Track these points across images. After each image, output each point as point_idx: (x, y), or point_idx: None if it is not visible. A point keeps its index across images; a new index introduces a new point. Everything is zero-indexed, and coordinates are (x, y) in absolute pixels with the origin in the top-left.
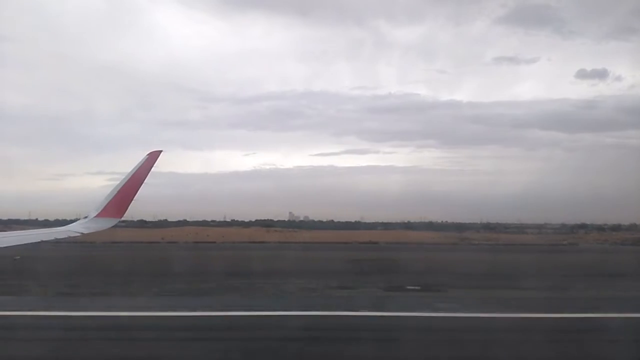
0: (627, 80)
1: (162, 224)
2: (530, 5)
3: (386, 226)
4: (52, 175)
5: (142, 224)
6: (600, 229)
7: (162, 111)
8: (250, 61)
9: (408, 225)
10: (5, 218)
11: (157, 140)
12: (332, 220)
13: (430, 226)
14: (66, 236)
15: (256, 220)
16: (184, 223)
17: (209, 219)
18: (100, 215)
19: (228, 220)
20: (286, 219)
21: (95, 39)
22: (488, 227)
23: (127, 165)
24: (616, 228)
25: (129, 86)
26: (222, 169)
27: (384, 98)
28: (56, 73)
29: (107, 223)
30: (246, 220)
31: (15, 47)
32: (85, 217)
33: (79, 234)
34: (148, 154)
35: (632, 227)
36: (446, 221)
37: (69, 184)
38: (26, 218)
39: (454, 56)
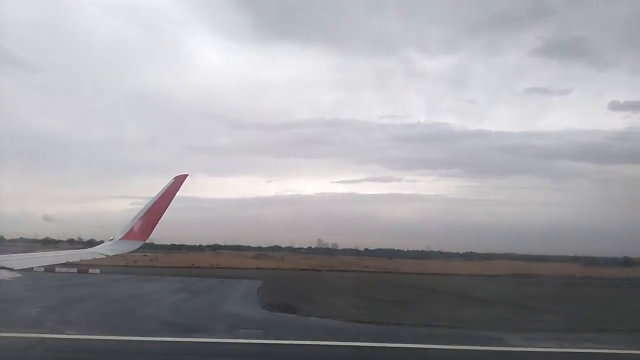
0: None
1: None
2: (566, 37)
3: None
4: (78, 198)
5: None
6: None
7: (190, 137)
8: (281, 89)
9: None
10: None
11: (182, 165)
12: (367, 249)
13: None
14: (91, 257)
15: (314, 248)
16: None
17: (245, 245)
18: (125, 237)
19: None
20: (314, 246)
21: (131, 67)
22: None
23: (151, 189)
24: None
25: (161, 113)
26: (244, 195)
27: (412, 127)
28: (91, 100)
29: (132, 246)
30: (283, 246)
31: (53, 76)
32: (111, 239)
33: (104, 256)
34: (174, 178)
35: None
36: (472, 251)
37: (92, 207)
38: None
39: (485, 86)
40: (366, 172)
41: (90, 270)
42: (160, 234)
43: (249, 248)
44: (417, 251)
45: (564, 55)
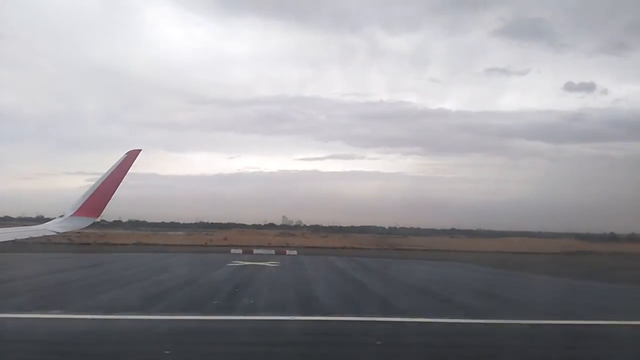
0: (613, 94)
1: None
2: (526, 19)
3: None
4: (30, 174)
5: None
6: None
7: (149, 113)
8: (243, 64)
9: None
10: None
11: (141, 141)
12: (353, 226)
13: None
14: (41, 235)
15: (275, 224)
16: (203, 225)
17: (208, 222)
18: (76, 214)
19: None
20: (279, 223)
21: (87, 39)
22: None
23: (109, 166)
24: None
25: (118, 87)
26: (206, 172)
27: (375, 105)
28: (45, 72)
29: (83, 222)
30: (248, 223)
31: (4, 46)
32: (61, 216)
33: (54, 233)
34: (127, 153)
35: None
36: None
37: (47, 183)
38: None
39: (447, 66)
40: (329, 150)
41: (288, 252)
42: (120, 211)
43: (243, 226)
44: (406, 228)
45: (524, 37)
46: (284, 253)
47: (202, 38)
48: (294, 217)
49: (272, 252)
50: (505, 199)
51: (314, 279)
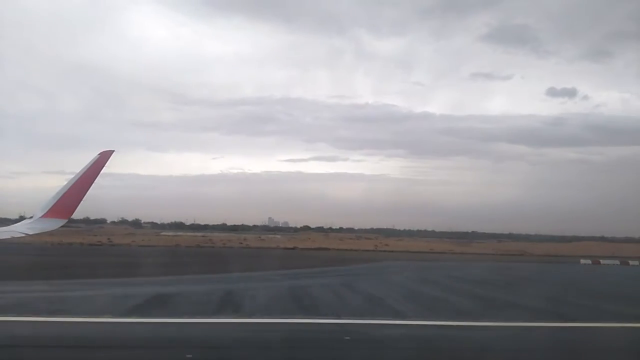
0: (594, 100)
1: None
2: (511, 25)
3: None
4: (8, 173)
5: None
6: None
7: (132, 112)
8: (230, 65)
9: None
10: None
11: (123, 141)
12: (362, 228)
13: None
14: (9, 237)
15: (254, 226)
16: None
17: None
18: (46, 215)
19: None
20: (264, 224)
21: (68, 35)
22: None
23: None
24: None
25: (100, 85)
26: (188, 172)
27: (360, 108)
28: (24, 69)
29: (53, 224)
30: (229, 224)
31: None
32: (31, 217)
33: (23, 235)
34: (99, 154)
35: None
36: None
37: (24, 182)
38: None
39: (432, 70)
40: (313, 151)
41: (582, 261)
42: (95, 211)
43: (245, 227)
44: (407, 230)
45: (508, 42)
46: (628, 264)
47: (187, 38)
48: (280, 218)
49: (617, 262)
50: (488, 201)
51: None
